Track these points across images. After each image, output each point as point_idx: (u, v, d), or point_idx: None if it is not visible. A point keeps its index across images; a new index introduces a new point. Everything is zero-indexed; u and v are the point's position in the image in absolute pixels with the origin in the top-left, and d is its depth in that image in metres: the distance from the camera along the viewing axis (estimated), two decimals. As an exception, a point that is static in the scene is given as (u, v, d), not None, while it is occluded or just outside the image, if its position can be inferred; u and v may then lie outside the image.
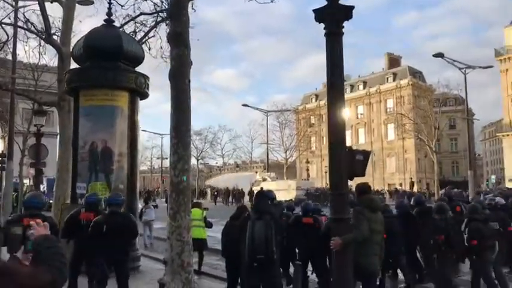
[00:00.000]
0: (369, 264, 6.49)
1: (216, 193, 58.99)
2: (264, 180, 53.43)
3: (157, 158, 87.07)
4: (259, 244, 6.81)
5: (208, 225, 12.01)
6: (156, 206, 20.71)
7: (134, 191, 12.26)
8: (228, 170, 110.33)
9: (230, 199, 54.27)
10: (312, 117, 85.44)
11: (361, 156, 6.54)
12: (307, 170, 76.81)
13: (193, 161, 72.38)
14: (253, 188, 47.55)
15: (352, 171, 6.31)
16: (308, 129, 79.91)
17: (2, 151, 25.65)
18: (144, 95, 12.72)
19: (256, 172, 67.42)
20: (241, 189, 55.07)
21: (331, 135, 6.25)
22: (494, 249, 8.71)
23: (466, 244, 8.41)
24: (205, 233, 11.97)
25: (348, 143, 7.53)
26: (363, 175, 6.45)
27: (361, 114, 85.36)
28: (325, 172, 64.15)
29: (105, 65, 12.15)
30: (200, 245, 11.39)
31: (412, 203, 10.81)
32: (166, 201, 27.66)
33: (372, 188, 7.62)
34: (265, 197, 7.69)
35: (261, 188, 35.22)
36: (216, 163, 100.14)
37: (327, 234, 6.60)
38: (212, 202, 52.12)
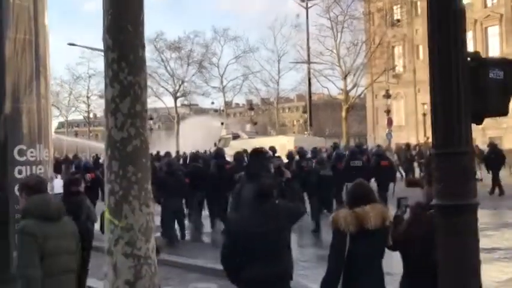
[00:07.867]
0: None
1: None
2: (236, 138, 32.76)
3: (101, 97, 48.57)
4: None
5: None
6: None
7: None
8: (236, 115, 71.41)
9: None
10: (394, 7, 45.54)
11: (499, 71, 3.33)
12: (388, 111, 36.15)
13: (167, 101, 46.60)
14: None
15: (480, 104, 3.26)
16: (389, 30, 41.75)
17: None
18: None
19: (222, 124, 42.48)
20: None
21: (435, 40, 3.25)
22: None
23: None
24: None
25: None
26: (505, 112, 3.37)
27: (493, 1, 48.83)
28: (423, 114, 42.55)
29: None
30: None
31: None
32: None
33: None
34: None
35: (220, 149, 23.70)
36: (212, 103, 60.14)
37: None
38: None
